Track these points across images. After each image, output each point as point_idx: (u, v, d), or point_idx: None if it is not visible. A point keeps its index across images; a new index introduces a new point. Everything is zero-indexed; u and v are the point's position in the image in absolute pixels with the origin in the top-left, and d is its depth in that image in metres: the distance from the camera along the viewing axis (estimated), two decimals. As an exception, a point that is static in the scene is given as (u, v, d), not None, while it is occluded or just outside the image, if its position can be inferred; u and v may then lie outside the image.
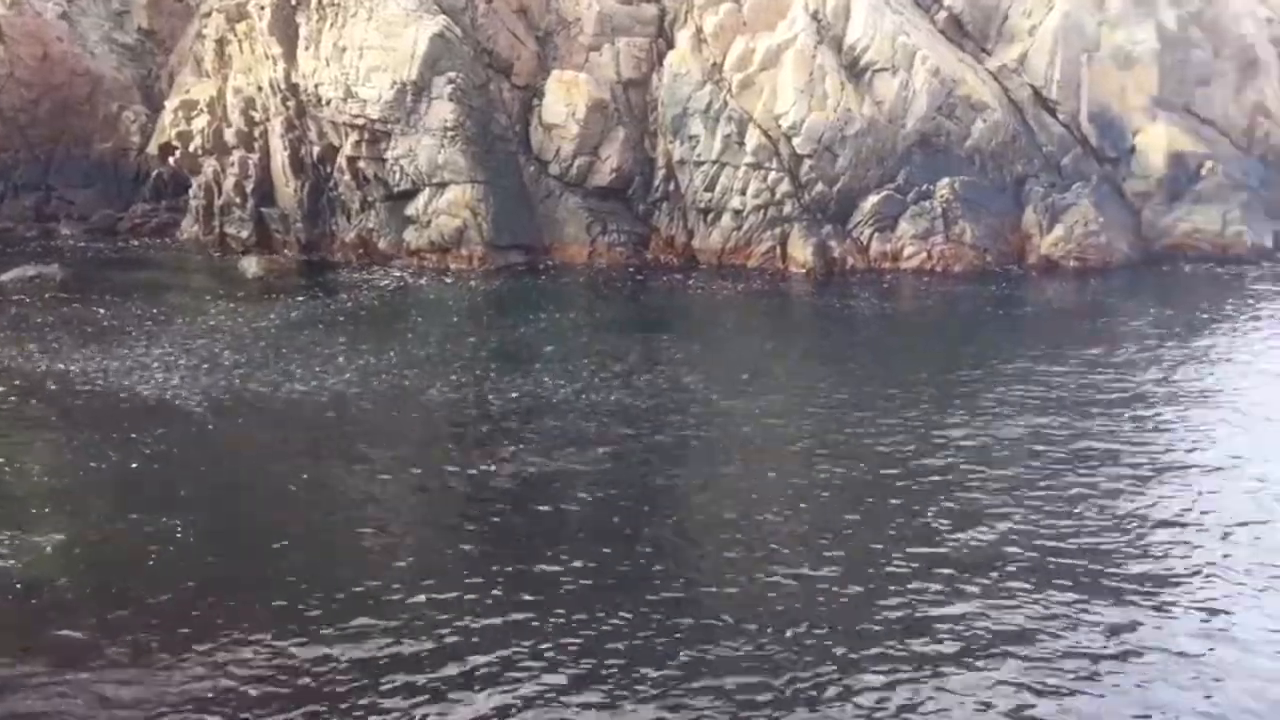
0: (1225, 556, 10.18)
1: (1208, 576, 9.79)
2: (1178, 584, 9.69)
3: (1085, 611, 9.16)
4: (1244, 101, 26.77)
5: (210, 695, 8.16)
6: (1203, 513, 11.18)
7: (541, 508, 11.49)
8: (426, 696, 8.13)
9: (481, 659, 8.58)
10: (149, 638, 8.89)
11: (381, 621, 9.11)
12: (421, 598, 9.53)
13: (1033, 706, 7.92)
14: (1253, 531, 10.69)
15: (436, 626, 9.05)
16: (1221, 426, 13.83)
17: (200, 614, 9.26)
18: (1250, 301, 20.89)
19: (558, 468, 12.56)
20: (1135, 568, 9.98)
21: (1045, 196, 24.48)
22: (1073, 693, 8.07)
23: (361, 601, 9.47)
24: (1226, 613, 9.19)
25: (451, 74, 24.74)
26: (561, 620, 9.13)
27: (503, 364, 17.09)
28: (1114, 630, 8.87)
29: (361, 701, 8.08)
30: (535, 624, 9.09)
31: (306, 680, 8.34)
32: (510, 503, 11.75)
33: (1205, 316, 19.72)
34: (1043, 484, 11.90)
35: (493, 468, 12.57)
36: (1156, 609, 9.25)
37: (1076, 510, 11.19)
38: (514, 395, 15.32)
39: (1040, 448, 13.00)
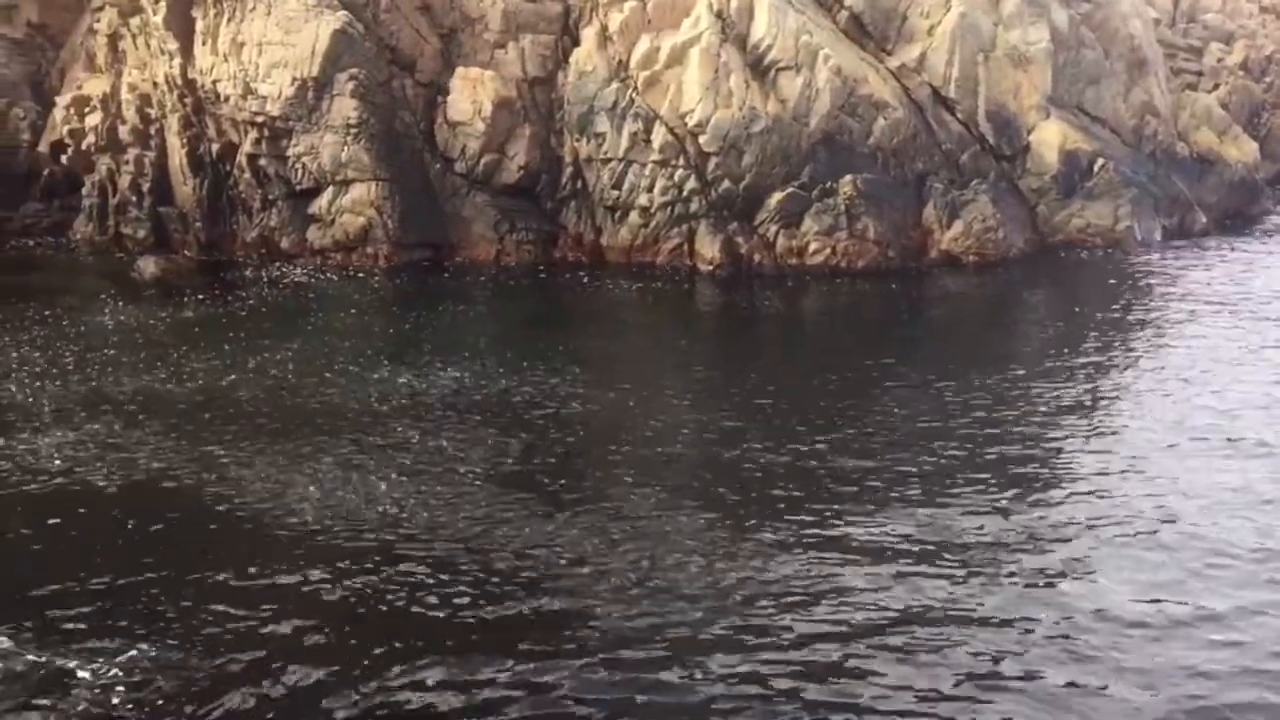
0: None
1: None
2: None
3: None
4: (1133, 100, 27.69)
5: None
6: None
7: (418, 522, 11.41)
8: None
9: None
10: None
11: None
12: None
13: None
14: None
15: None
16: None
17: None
18: (1138, 295, 21.56)
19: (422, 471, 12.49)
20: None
21: (945, 193, 25.03)
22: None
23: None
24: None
25: (354, 70, 24.42)
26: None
27: (390, 360, 16.98)
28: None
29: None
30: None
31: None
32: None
33: (1096, 314, 20.29)
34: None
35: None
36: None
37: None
38: (399, 391, 15.31)
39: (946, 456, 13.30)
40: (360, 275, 23.41)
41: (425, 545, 10.52)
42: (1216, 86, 36.88)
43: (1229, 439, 13.23)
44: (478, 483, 12.04)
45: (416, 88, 25.48)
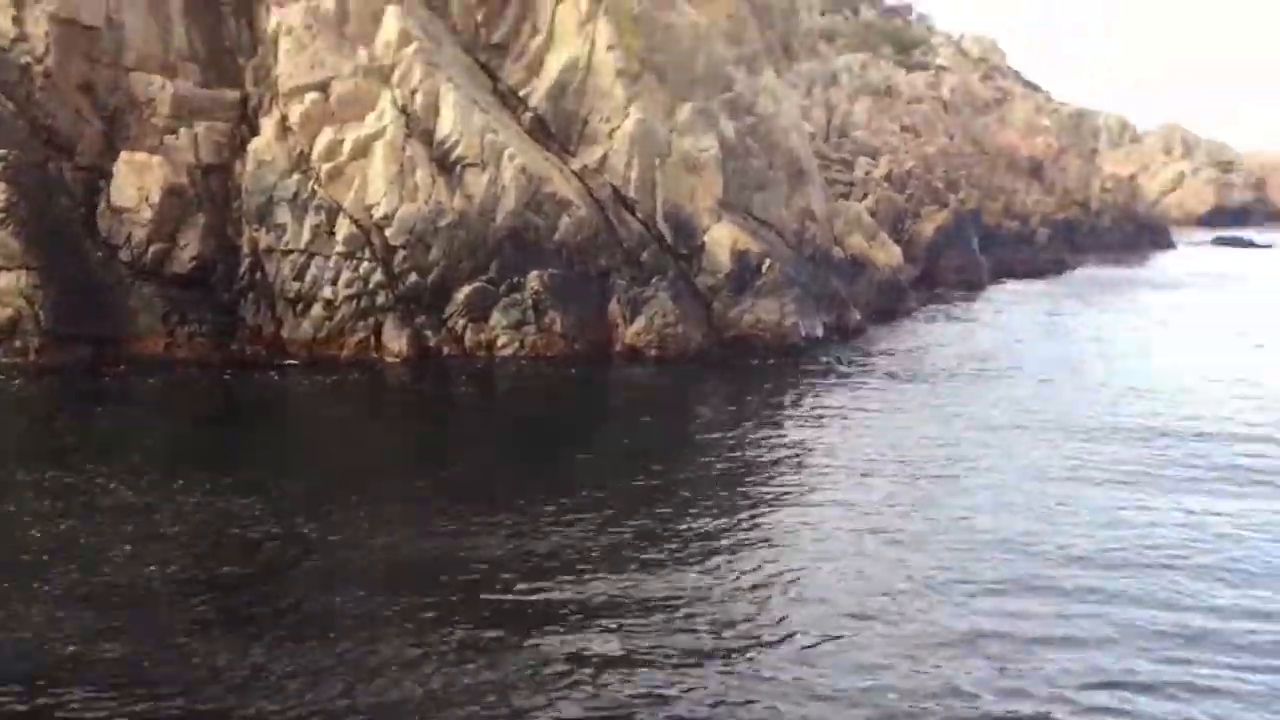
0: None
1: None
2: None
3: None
4: (794, 206, 30.14)
5: None
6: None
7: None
8: None
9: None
10: None
11: None
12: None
13: None
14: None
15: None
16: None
17: None
18: (795, 384, 23.34)
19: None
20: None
21: (627, 289, 26.07)
22: None
23: None
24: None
25: (2, 151, 22.51)
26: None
27: (25, 470, 15.35)
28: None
29: None
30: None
31: None
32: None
33: (756, 400, 21.80)
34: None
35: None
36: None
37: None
38: (36, 504, 13.83)
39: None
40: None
41: (70, 682, 9.42)
42: (865, 196, 40.95)
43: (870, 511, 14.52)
44: (134, 608, 10.94)
45: (76, 171, 23.78)
